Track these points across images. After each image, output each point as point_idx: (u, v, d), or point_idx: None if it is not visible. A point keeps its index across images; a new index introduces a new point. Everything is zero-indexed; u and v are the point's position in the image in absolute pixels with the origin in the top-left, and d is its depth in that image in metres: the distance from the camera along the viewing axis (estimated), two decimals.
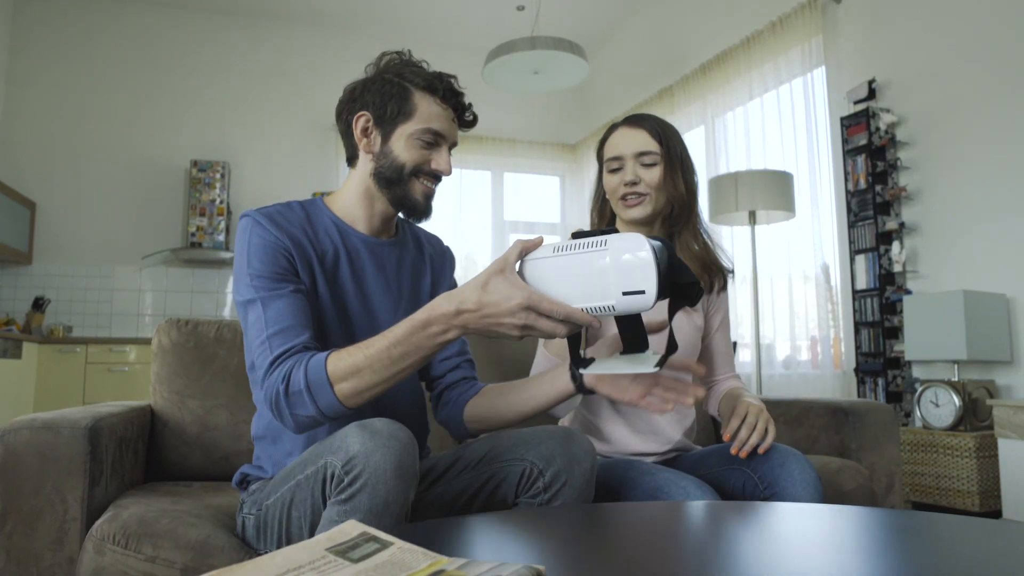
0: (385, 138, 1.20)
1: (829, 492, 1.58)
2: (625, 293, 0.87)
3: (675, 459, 1.45)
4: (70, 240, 5.36)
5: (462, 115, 1.25)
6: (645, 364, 0.97)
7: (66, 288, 5.32)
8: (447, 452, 1.28)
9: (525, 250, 0.96)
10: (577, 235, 0.93)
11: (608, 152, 1.46)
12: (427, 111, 1.20)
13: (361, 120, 1.21)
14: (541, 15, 5.37)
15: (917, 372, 3.48)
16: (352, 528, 0.69)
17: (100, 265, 5.40)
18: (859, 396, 3.67)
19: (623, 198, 1.42)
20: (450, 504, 1.20)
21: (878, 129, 3.62)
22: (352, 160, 1.27)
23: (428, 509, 1.21)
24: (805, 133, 4.15)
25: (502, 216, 6.51)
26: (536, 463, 1.12)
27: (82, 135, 5.46)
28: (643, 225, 1.46)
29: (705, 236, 1.52)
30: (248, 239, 1.16)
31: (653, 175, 1.40)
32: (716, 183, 3.84)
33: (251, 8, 5.81)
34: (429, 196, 1.24)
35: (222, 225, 5.42)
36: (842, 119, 3.80)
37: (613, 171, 1.44)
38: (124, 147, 5.53)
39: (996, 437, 2.86)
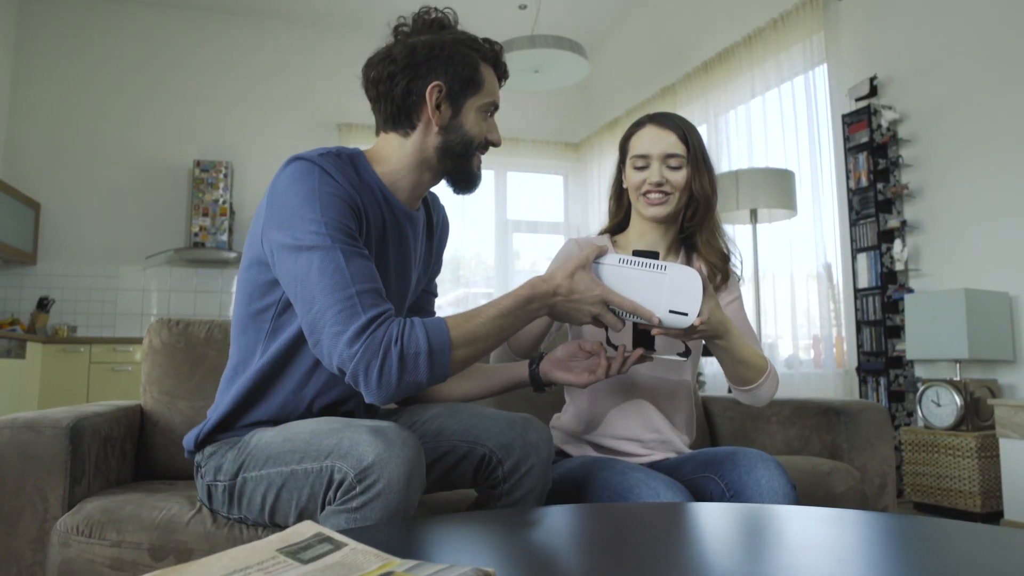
0: (456, 111, 1.16)
1: (819, 494, 1.56)
2: (671, 311, 1.11)
3: (660, 462, 1.44)
4: (74, 240, 5.39)
5: (501, 84, 1.25)
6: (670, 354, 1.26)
7: (70, 288, 5.35)
8: (402, 412, 1.27)
9: (599, 253, 1.12)
10: (637, 253, 1.14)
11: (635, 149, 1.47)
12: (491, 83, 1.19)
13: (435, 91, 1.14)
14: (543, 13, 5.36)
15: (919, 371, 3.45)
16: (307, 529, 0.68)
17: (104, 265, 5.43)
18: (861, 395, 3.65)
19: (645, 195, 1.44)
20: None
21: (880, 126, 3.59)
22: (398, 127, 1.17)
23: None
24: (807, 131, 4.12)
25: (505, 216, 6.50)
26: (495, 452, 1.13)
27: (86, 136, 5.49)
28: (662, 223, 1.47)
29: (722, 232, 1.53)
30: (316, 185, 1.04)
31: (679, 177, 1.43)
32: (717, 181, 3.82)
33: (253, 7, 5.82)
34: (480, 166, 1.24)
35: (225, 225, 5.43)
36: (843, 116, 3.77)
37: (639, 168, 1.45)
38: (127, 147, 5.56)
39: (998, 437, 2.84)
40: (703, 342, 1.52)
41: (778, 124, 4.37)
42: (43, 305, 5.11)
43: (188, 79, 5.74)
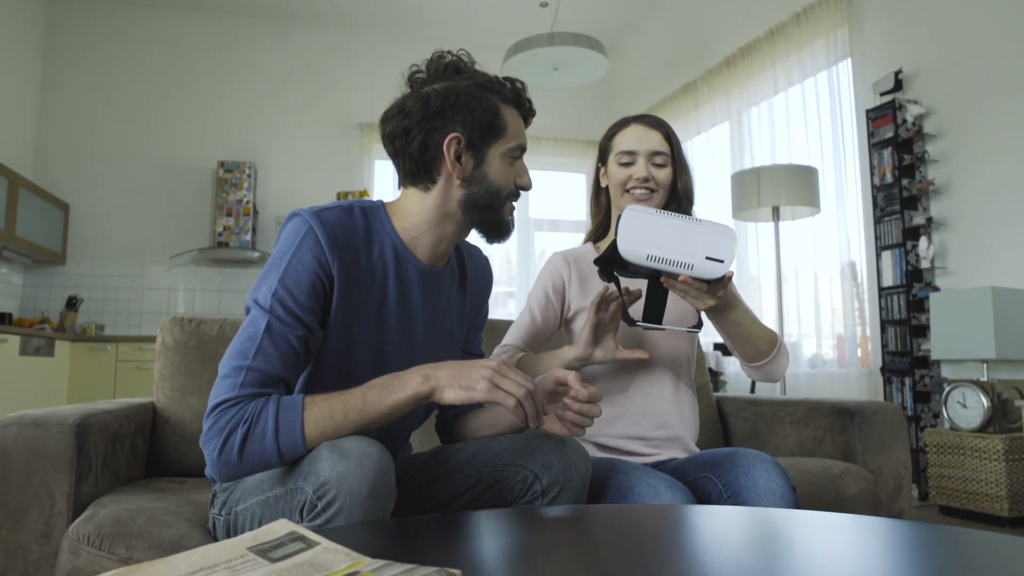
0: (479, 161, 1.09)
1: (830, 497, 1.53)
2: (708, 258, 1.10)
3: (666, 463, 1.42)
4: (102, 240, 5.49)
5: (528, 123, 1.18)
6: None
7: (98, 287, 5.46)
8: (433, 452, 1.26)
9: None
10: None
11: (620, 146, 1.50)
12: (515, 126, 1.12)
13: (454, 143, 1.07)
14: (564, 11, 5.34)
15: (946, 372, 3.37)
16: (281, 527, 0.68)
17: (131, 265, 5.53)
18: (885, 396, 3.57)
19: (630, 190, 1.47)
20: (435, 508, 1.18)
21: (905, 121, 3.51)
22: (418, 182, 1.11)
23: (412, 512, 1.19)
24: (830, 127, 4.05)
25: (527, 214, 6.49)
26: (532, 469, 1.09)
27: (113, 138, 5.59)
28: None
29: None
30: (294, 250, 1.04)
31: (664, 175, 1.48)
32: (738, 179, 3.77)
33: (275, 9, 5.88)
34: (513, 213, 1.17)
35: (249, 225, 5.50)
36: (867, 111, 3.69)
37: (624, 164, 1.49)
38: (153, 149, 5.65)
39: None
40: (697, 334, 1.52)
41: (801, 120, 4.30)
42: (72, 304, 5.21)
43: (212, 81, 5.82)
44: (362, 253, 1.09)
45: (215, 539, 1.17)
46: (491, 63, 5.35)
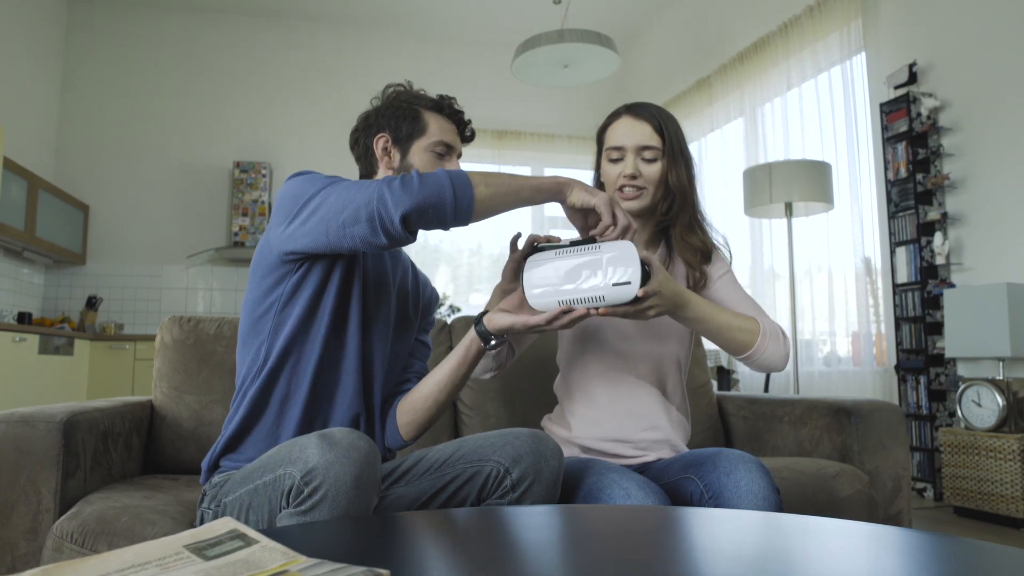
0: (404, 154, 1.31)
1: (822, 498, 1.50)
2: (614, 284, 1.11)
3: (653, 463, 1.40)
4: (121, 241, 5.57)
5: (463, 131, 1.37)
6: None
7: (117, 287, 5.54)
8: (411, 454, 1.27)
9: (532, 243, 1.24)
10: (575, 242, 1.18)
11: (609, 141, 1.44)
12: (437, 126, 1.32)
13: (381, 141, 1.31)
14: (576, 8, 5.32)
15: (962, 370, 3.30)
16: (223, 525, 0.68)
17: (149, 264, 5.60)
18: (900, 395, 3.51)
19: (620, 189, 1.41)
20: (408, 506, 1.19)
21: (919, 115, 3.44)
22: (369, 177, 1.34)
23: (387, 511, 1.20)
24: (844, 122, 3.99)
25: (542, 211, 6.47)
26: (502, 462, 1.12)
27: (130, 140, 5.67)
28: (638, 217, 1.44)
29: (701, 225, 1.48)
30: (311, 175, 1.17)
31: (653, 170, 1.40)
32: (750, 175, 3.73)
33: (289, 10, 5.93)
34: None
35: (264, 224, 5.55)
36: (881, 105, 3.63)
37: (613, 160, 1.43)
38: (170, 150, 5.72)
39: None
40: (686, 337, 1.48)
41: (815, 116, 4.24)
42: (92, 304, 5.30)
43: (227, 82, 5.88)
44: None
45: None
46: (503, 61, 5.35)
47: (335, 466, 0.92)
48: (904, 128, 3.48)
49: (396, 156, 1.31)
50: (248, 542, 0.66)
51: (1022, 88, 3.08)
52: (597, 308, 1.12)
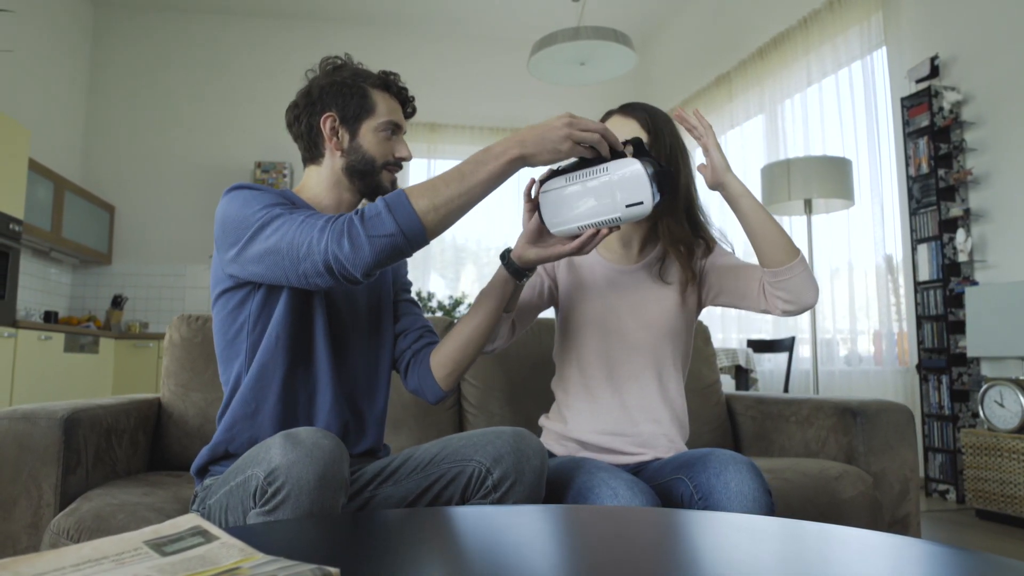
0: (353, 135, 1.28)
1: (823, 500, 1.47)
2: (628, 206, 1.10)
3: (649, 463, 1.39)
4: (145, 241, 5.67)
5: (407, 108, 1.35)
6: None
7: (142, 286, 5.64)
8: (400, 453, 1.28)
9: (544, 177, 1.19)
10: (580, 163, 1.15)
11: None
12: (384, 105, 1.29)
13: (328, 120, 1.27)
14: (593, 5, 5.29)
15: (985, 369, 3.22)
16: (186, 521, 0.69)
17: (172, 264, 5.69)
18: (921, 395, 3.44)
19: None
20: (396, 506, 1.20)
21: (941, 109, 3.37)
22: (314, 158, 1.32)
23: (375, 511, 1.20)
24: (864, 117, 3.92)
25: None
26: (483, 462, 1.12)
27: (155, 141, 5.77)
28: None
29: (695, 218, 1.46)
30: (247, 193, 1.16)
31: None
32: (768, 171, 3.68)
33: (308, 11, 5.98)
34: (394, 183, 1.32)
35: None
36: (902, 99, 3.56)
37: None
38: (193, 151, 5.81)
39: None
40: (686, 311, 1.46)
41: (835, 111, 4.17)
42: (117, 303, 5.40)
43: (249, 83, 5.95)
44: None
45: None
46: (520, 59, 5.35)
47: (297, 466, 0.92)
48: (926, 123, 3.41)
49: (345, 137, 1.27)
50: (208, 539, 0.66)
51: None
52: (618, 226, 1.14)
